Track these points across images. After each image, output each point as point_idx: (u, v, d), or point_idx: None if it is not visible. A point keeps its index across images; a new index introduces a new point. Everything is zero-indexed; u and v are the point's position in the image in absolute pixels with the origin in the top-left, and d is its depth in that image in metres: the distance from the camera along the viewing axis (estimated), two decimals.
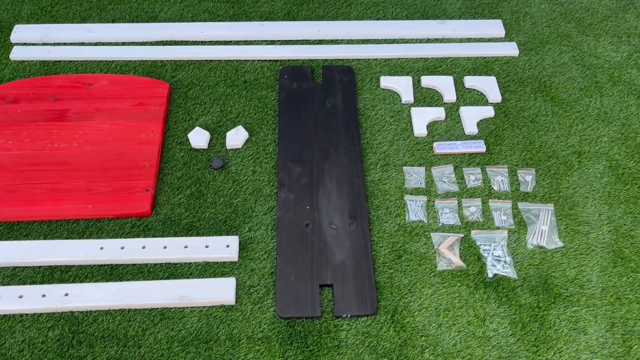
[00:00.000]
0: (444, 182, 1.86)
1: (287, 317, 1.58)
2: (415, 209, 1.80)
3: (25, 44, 2.22)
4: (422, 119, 2.01)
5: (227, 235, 1.73)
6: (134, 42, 2.23)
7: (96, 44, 2.23)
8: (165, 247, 1.68)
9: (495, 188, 1.85)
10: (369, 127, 2.00)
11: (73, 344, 1.53)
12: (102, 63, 2.17)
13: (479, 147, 1.94)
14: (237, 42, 2.24)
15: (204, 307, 1.60)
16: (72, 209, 1.76)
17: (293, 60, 2.20)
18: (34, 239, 1.71)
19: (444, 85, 2.11)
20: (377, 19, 2.34)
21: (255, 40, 2.25)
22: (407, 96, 2.07)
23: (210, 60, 2.18)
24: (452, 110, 2.05)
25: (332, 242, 1.72)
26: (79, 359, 1.51)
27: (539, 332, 1.57)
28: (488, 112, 2.03)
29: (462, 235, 1.74)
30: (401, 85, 2.10)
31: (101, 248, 1.68)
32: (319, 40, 2.27)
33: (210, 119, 2.01)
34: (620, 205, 1.82)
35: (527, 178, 1.87)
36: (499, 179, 1.87)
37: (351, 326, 1.57)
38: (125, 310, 1.59)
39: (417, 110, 2.03)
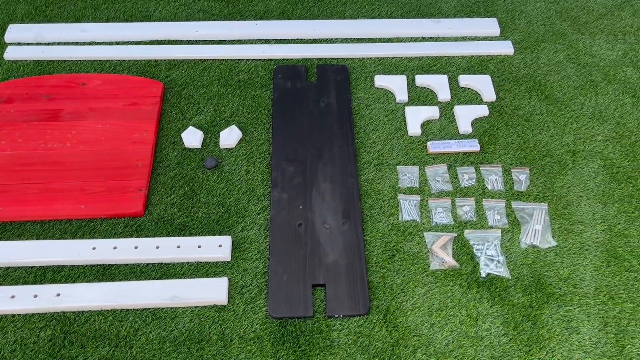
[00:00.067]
0: (438, 181, 1.86)
1: (279, 317, 1.58)
2: (408, 209, 1.79)
3: (19, 43, 2.22)
4: (416, 118, 2.00)
5: (220, 235, 1.73)
6: (128, 42, 2.23)
7: (90, 43, 2.22)
8: (157, 247, 1.68)
9: (489, 187, 1.85)
10: (363, 126, 2.00)
11: (65, 344, 1.53)
12: (96, 63, 2.16)
13: (473, 146, 1.93)
14: (232, 42, 2.24)
15: (196, 307, 1.60)
16: (65, 209, 1.76)
17: (287, 59, 2.19)
18: (26, 239, 1.71)
19: (439, 84, 2.10)
20: (372, 18, 2.33)
21: (249, 40, 2.25)
22: (402, 95, 2.07)
23: (205, 60, 2.18)
24: (447, 110, 2.05)
25: (325, 242, 1.71)
26: (71, 359, 1.50)
27: (531, 331, 1.57)
28: (482, 111, 2.03)
29: (456, 235, 1.74)
30: (395, 84, 2.10)
31: (93, 248, 1.68)
32: (314, 39, 2.26)
33: (204, 118, 2.01)
34: (615, 204, 1.82)
35: (521, 177, 1.87)
36: (493, 178, 1.86)
37: (343, 326, 1.57)
38: (117, 310, 1.58)
39: (411, 109, 2.03)
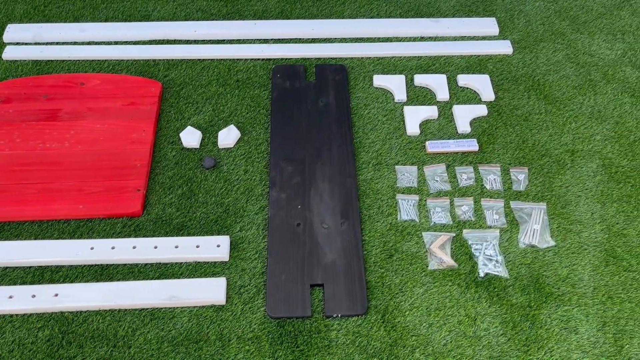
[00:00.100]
0: (436, 181, 1.86)
1: (277, 317, 1.58)
2: (407, 208, 1.79)
3: (17, 43, 2.22)
4: (414, 117, 2.00)
5: (219, 235, 1.73)
6: (126, 42, 2.23)
7: (89, 43, 2.22)
8: (155, 247, 1.68)
9: (488, 187, 1.84)
10: (362, 126, 2.00)
11: (63, 344, 1.53)
12: (94, 62, 2.16)
13: (472, 145, 1.93)
14: (230, 41, 2.24)
15: (195, 307, 1.60)
16: (63, 209, 1.76)
17: (286, 59, 2.19)
18: (24, 239, 1.71)
19: (437, 83, 2.10)
20: (371, 18, 2.33)
21: (248, 39, 2.25)
22: (400, 95, 2.07)
23: (203, 60, 2.18)
24: (445, 109, 2.05)
25: (324, 242, 1.71)
26: (69, 359, 1.50)
27: (530, 331, 1.57)
28: (481, 110, 2.03)
29: (454, 235, 1.74)
30: (394, 84, 2.10)
31: (92, 248, 1.68)
32: (312, 38, 2.26)
33: (202, 118, 2.00)
34: (613, 204, 1.82)
35: (520, 177, 1.87)
36: (492, 177, 1.86)
37: (342, 326, 1.57)
38: (115, 310, 1.58)
39: (409, 109, 2.03)
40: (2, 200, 1.76)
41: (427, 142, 1.94)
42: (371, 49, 2.21)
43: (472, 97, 2.09)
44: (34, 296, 1.58)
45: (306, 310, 1.58)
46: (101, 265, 1.67)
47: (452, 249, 1.71)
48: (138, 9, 2.34)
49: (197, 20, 2.31)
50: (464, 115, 2.01)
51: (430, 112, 2.02)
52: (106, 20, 2.30)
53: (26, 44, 2.22)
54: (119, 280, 1.64)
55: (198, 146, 1.93)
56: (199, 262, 1.68)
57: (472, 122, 2.00)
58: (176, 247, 1.68)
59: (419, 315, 1.59)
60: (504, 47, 2.23)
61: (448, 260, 1.68)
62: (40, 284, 1.63)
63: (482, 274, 1.66)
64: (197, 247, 1.68)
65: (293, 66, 2.15)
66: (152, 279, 1.64)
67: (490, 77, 2.13)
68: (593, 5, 2.40)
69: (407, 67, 2.17)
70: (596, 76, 2.16)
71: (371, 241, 1.73)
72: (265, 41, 2.24)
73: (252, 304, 1.61)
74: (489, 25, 2.30)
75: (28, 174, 1.82)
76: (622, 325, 1.58)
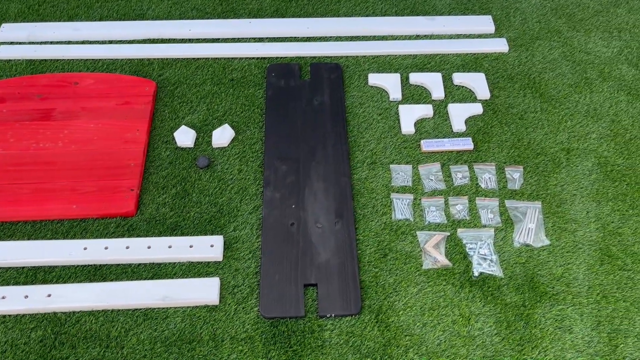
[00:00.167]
0: (431, 180, 1.85)
1: (271, 317, 1.57)
2: (401, 207, 1.79)
3: (11, 42, 2.21)
4: (409, 116, 1.99)
5: (212, 234, 1.73)
6: (121, 41, 2.22)
7: (83, 42, 2.21)
8: (149, 247, 1.67)
9: (483, 186, 1.84)
10: (357, 124, 1.99)
11: (55, 345, 1.52)
12: (88, 62, 2.15)
13: (467, 144, 1.92)
14: (225, 40, 2.23)
15: (188, 307, 1.59)
16: (57, 209, 1.75)
17: (281, 57, 2.18)
18: (17, 240, 1.70)
19: (433, 82, 2.09)
20: (366, 16, 2.32)
21: (243, 38, 2.24)
22: (395, 93, 2.06)
23: (198, 58, 2.17)
24: (441, 108, 2.04)
25: (318, 241, 1.71)
26: None
27: (524, 331, 1.56)
28: (476, 109, 2.02)
29: (449, 234, 1.73)
30: (389, 83, 2.09)
31: (85, 248, 1.67)
32: (307, 37, 2.25)
33: (196, 117, 2.00)
34: (609, 203, 1.81)
35: (515, 175, 1.86)
36: (487, 176, 1.85)
37: (335, 326, 1.57)
38: (108, 310, 1.58)
39: (404, 107, 2.02)
40: None
41: (421, 141, 1.93)
42: (366, 48, 2.20)
43: (467, 95, 2.08)
44: (26, 297, 1.57)
45: (300, 310, 1.58)
46: (94, 265, 1.66)
47: (446, 248, 1.71)
48: (132, 7, 2.33)
49: (192, 19, 2.30)
50: (459, 114, 2.00)
51: (425, 110, 2.01)
52: (100, 20, 2.29)
53: (20, 43, 2.21)
54: (112, 280, 1.64)
55: (192, 145, 1.92)
56: (192, 262, 1.67)
57: (467, 121, 2.00)
58: (170, 247, 1.68)
59: (413, 315, 1.59)
60: (500, 45, 2.22)
61: (442, 260, 1.67)
62: (33, 284, 1.62)
63: (476, 274, 1.65)
64: (191, 247, 1.68)
65: (288, 65, 2.14)
66: (145, 279, 1.64)
67: (485, 75, 2.12)
68: (589, 3, 2.39)
69: (403, 65, 2.16)
70: (592, 74, 2.15)
71: (365, 240, 1.72)
72: (260, 40, 2.24)
73: (245, 304, 1.60)
74: (484, 23, 2.30)
75: (21, 174, 1.82)
76: (616, 325, 1.58)
